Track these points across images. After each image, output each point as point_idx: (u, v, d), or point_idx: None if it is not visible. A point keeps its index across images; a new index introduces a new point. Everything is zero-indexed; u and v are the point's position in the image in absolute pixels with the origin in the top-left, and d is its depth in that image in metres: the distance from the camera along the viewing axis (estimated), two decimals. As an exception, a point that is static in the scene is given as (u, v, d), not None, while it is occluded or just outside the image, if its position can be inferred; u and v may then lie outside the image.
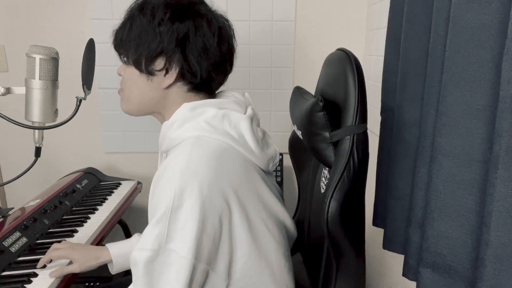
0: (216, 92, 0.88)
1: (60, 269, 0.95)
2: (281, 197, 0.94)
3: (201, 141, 0.74)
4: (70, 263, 0.99)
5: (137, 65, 0.79)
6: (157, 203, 0.70)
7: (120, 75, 0.85)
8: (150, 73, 0.79)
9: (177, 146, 0.77)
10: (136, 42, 0.77)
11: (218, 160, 0.73)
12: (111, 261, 1.00)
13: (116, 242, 1.04)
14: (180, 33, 0.76)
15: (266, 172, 0.86)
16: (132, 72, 0.81)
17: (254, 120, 0.84)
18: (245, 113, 0.83)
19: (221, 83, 0.85)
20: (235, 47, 0.85)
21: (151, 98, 0.81)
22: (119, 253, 1.01)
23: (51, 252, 0.97)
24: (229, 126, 0.78)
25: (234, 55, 0.85)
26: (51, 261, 0.99)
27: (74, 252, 0.98)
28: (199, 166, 0.70)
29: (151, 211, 0.73)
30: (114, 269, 1.02)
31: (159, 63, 0.78)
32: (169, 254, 0.68)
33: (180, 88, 0.81)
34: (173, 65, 0.77)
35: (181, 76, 0.79)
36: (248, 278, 0.78)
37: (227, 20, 0.83)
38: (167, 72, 0.78)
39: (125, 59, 0.82)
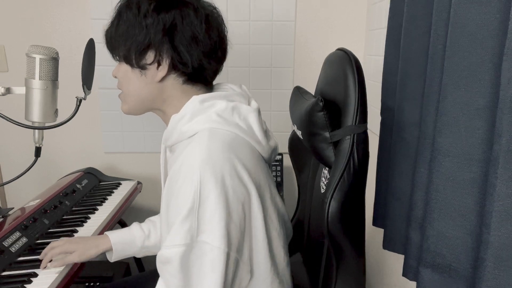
0: (214, 84, 0.88)
1: (61, 259, 0.95)
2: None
3: (214, 133, 0.75)
4: None
5: (128, 61, 0.79)
6: (180, 200, 0.70)
7: (115, 77, 0.85)
8: (141, 67, 0.79)
9: (188, 140, 0.78)
10: (124, 37, 0.78)
11: (233, 150, 0.74)
12: (110, 249, 1.00)
13: (115, 230, 1.04)
14: (166, 23, 0.76)
15: (267, 163, 0.88)
16: (125, 69, 0.81)
17: (259, 113, 0.85)
18: (249, 105, 0.84)
19: (215, 72, 0.85)
20: (225, 33, 0.84)
21: (148, 93, 0.81)
22: (119, 240, 1.01)
23: (50, 252, 0.97)
24: (238, 118, 0.79)
25: (227, 42, 0.85)
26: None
27: (72, 245, 0.98)
28: (218, 157, 0.71)
29: (170, 208, 0.72)
30: (113, 257, 1.02)
31: (150, 56, 0.78)
32: (201, 246, 0.69)
33: (176, 81, 0.80)
34: (163, 56, 0.77)
35: (173, 68, 0.79)
36: (261, 270, 0.78)
37: (215, 8, 0.83)
38: (159, 64, 0.78)
39: (117, 57, 0.82)
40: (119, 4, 0.80)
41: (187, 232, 0.68)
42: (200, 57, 0.78)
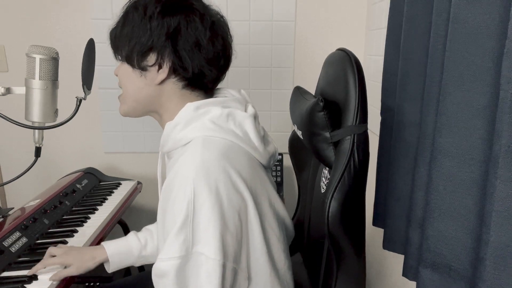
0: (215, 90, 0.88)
1: (58, 272, 0.94)
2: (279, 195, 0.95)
3: (208, 141, 0.74)
4: None
5: (129, 61, 0.79)
6: (175, 211, 0.69)
7: (117, 75, 0.85)
8: (142, 68, 0.79)
9: (182, 148, 0.77)
10: (128, 37, 0.78)
11: (228, 158, 0.73)
12: (107, 260, 1.00)
13: (112, 241, 1.03)
14: (170, 27, 0.76)
15: (266, 168, 0.87)
16: (125, 69, 0.81)
17: (256, 118, 0.84)
18: (245, 111, 0.83)
19: (216, 79, 0.84)
20: (231, 43, 0.84)
21: (146, 95, 0.81)
22: (115, 252, 1.00)
23: (45, 261, 0.96)
24: (233, 125, 0.78)
25: (231, 51, 0.84)
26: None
27: (68, 257, 0.97)
28: (211, 166, 0.70)
29: (166, 218, 0.72)
30: (110, 268, 1.01)
31: (151, 58, 0.78)
32: (197, 257, 0.68)
33: (175, 85, 0.80)
34: (165, 59, 0.77)
35: (173, 72, 0.78)
36: (260, 276, 0.78)
37: (222, 16, 0.83)
38: (160, 67, 0.78)
39: (119, 57, 0.82)
40: (127, 5, 0.80)
41: (182, 244, 0.67)
42: (201, 63, 0.78)
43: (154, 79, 0.79)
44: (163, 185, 0.74)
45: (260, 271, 0.77)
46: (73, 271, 0.95)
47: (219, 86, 0.89)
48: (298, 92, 1.01)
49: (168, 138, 0.80)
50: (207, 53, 0.78)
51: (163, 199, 0.73)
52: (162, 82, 0.79)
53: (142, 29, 0.76)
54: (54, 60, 0.90)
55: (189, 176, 0.68)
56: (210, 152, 0.72)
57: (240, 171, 0.73)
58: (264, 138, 0.85)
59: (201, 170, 0.69)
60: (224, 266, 0.68)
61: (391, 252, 0.99)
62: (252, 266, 0.76)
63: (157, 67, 0.78)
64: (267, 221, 0.78)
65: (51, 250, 0.99)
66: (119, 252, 1.01)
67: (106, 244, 1.01)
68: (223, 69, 0.84)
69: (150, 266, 0.79)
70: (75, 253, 0.99)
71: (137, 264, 1.05)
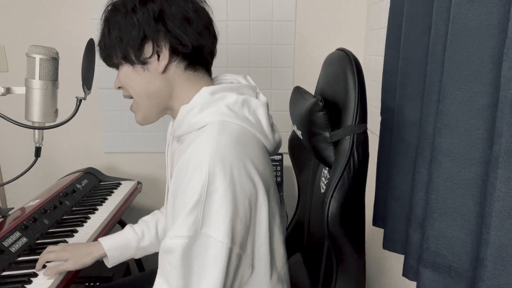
0: (216, 76, 0.89)
1: (55, 266, 0.95)
2: None
3: (224, 126, 0.75)
4: None
5: (128, 60, 0.79)
6: (188, 193, 0.69)
7: (119, 87, 0.85)
8: (143, 62, 0.79)
9: (197, 131, 0.78)
10: (118, 39, 0.78)
11: (242, 145, 0.74)
12: (105, 255, 1.00)
13: (108, 236, 1.04)
14: (155, 12, 0.77)
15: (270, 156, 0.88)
16: (126, 71, 0.81)
17: (268, 106, 0.86)
18: (256, 98, 0.85)
19: (212, 52, 0.85)
20: (211, 14, 0.85)
21: (155, 88, 0.81)
22: (112, 246, 1.01)
23: (44, 255, 0.97)
24: (248, 112, 0.79)
25: (213, 21, 0.85)
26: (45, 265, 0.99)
27: (65, 252, 0.98)
28: (227, 151, 0.71)
29: (177, 199, 0.72)
30: (109, 263, 1.02)
31: (148, 49, 0.78)
32: (205, 239, 0.69)
33: (178, 68, 0.81)
34: (161, 45, 0.78)
35: (173, 53, 0.79)
36: (261, 266, 0.79)
37: None
38: (158, 56, 0.78)
39: (115, 65, 0.82)
40: (104, 14, 0.81)
41: (191, 224, 0.68)
42: (196, 36, 0.79)
43: (157, 69, 0.79)
44: (176, 167, 0.75)
45: (262, 261, 0.78)
46: (70, 265, 0.96)
47: (219, 73, 0.89)
48: (298, 92, 1.01)
49: (182, 121, 0.80)
50: (197, 25, 0.79)
51: (176, 180, 0.74)
52: (165, 69, 0.80)
53: (129, 24, 0.77)
54: (54, 60, 0.90)
55: (205, 159, 0.69)
56: (226, 137, 0.73)
57: (253, 158, 0.74)
58: (271, 127, 0.86)
59: (216, 155, 0.70)
60: (231, 250, 0.70)
61: (391, 252, 0.99)
62: (255, 254, 0.77)
63: (156, 56, 0.78)
64: (271, 211, 0.79)
65: (49, 248, 1.00)
66: (117, 247, 1.02)
67: (102, 239, 1.02)
68: (214, 40, 0.85)
69: (150, 266, 0.79)
70: (72, 248, 1.00)
71: (137, 256, 1.06)
